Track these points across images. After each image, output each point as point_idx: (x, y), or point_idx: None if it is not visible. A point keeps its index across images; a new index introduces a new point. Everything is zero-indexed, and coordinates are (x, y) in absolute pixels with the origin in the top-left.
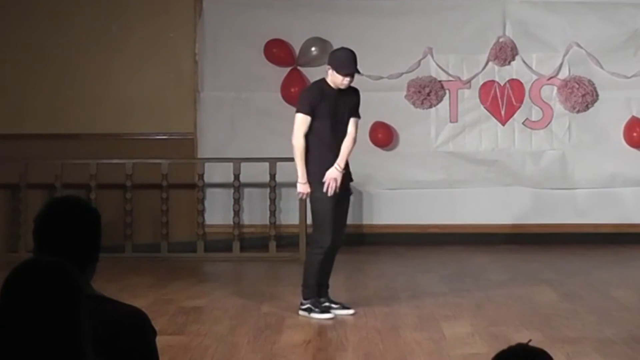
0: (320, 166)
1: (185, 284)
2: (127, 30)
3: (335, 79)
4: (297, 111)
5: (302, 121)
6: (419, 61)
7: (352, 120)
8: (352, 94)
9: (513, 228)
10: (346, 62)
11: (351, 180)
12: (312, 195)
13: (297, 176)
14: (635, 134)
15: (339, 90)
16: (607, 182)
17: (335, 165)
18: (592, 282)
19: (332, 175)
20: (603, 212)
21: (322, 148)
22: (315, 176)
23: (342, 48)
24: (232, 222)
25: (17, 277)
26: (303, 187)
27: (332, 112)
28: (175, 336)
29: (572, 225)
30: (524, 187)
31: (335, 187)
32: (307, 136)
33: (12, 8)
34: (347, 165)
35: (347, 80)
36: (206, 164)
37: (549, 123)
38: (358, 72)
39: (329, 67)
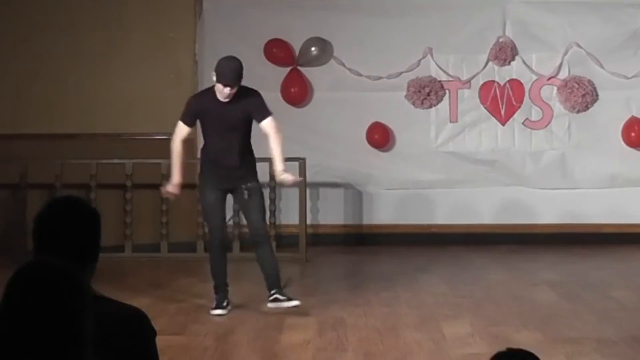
0: (209, 177)
1: (186, 284)
2: (127, 30)
3: (217, 87)
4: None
5: (178, 128)
6: (419, 61)
7: (264, 123)
8: (245, 100)
9: (513, 228)
10: (225, 71)
11: (253, 181)
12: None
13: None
14: (633, 134)
15: (228, 100)
16: (607, 182)
17: (280, 169)
18: (592, 282)
19: (287, 178)
20: (603, 212)
21: (207, 162)
22: (203, 183)
23: (228, 57)
24: (232, 222)
25: (20, 278)
26: (172, 188)
27: (217, 124)
28: (175, 336)
29: (572, 225)
30: (524, 187)
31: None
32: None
33: (12, 8)
34: (247, 164)
35: (226, 90)
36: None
37: (548, 123)
38: (236, 84)
39: (213, 73)
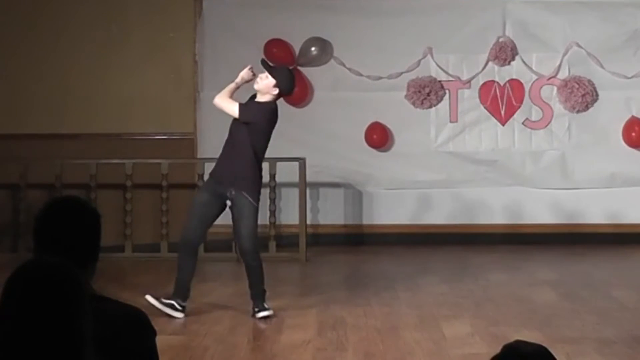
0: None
1: None
2: (127, 30)
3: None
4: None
5: (235, 109)
6: (419, 61)
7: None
8: None
9: (513, 228)
10: (292, 85)
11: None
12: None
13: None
14: (633, 134)
15: None
16: (607, 182)
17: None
18: (592, 282)
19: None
20: (603, 212)
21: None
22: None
23: (284, 67)
24: (231, 222)
25: (19, 278)
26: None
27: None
28: (175, 336)
29: (573, 225)
30: (524, 187)
31: None
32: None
33: (12, 8)
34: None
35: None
36: (206, 164)
37: (548, 123)
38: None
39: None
